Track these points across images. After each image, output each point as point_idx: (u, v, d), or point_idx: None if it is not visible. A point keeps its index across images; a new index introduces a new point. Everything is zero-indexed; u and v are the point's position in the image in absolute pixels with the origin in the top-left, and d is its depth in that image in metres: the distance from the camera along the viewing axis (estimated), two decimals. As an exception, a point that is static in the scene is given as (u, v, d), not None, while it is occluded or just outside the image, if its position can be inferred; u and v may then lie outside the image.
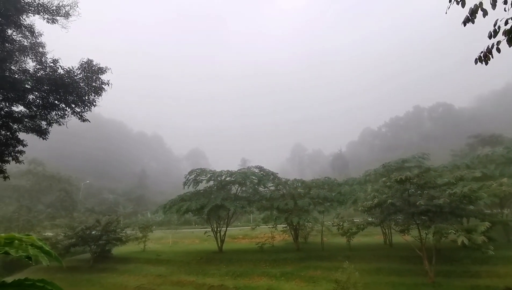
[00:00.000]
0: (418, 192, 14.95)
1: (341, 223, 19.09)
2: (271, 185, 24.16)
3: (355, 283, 11.54)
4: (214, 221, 23.16)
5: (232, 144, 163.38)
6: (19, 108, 11.64)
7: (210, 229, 23.66)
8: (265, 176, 23.84)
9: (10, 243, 2.17)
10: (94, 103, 11.91)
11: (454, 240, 11.18)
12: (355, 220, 18.32)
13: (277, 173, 24.76)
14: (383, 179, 15.95)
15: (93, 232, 22.98)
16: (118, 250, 24.84)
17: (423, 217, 13.79)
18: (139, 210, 55.36)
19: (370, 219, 16.52)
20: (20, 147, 11.83)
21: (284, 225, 22.72)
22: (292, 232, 22.19)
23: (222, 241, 22.90)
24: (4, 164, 11.79)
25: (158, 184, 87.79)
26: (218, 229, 23.09)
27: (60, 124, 12.08)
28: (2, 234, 2.22)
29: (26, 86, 10.89)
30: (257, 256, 20.25)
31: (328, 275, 14.96)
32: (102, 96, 12.10)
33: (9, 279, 2.35)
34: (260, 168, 24.37)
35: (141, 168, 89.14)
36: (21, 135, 12.11)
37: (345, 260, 12.78)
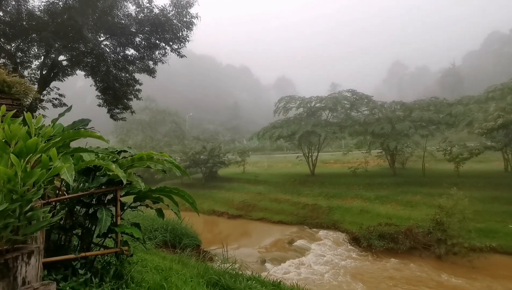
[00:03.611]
0: None
1: (448, 148, 17.06)
2: (365, 109, 22.66)
3: (463, 210, 10.67)
4: (306, 146, 23.87)
5: (319, 69, 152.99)
6: (130, 52, 13.44)
7: (301, 154, 24.60)
8: (358, 100, 22.36)
9: (150, 158, 2.69)
10: (187, 39, 12.72)
11: None
12: (467, 145, 16.05)
13: (372, 96, 22.79)
14: (514, 95, 12.92)
15: (201, 157, 26.90)
16: (222, 171, 28.69)
17: None
18: (236, 137, 61.00)
19: (489, 143, 14.17)
20: (137, 86, 14.00)
21: (378, 150, 21.75)
22: (388, 157, 21.16)
23: (314, 165, 23.74)
24: (128, 102, 14.32)
25: (250, 114, 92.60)
26: (310, 154, 23.84)
27: (163, 62, 13.58)
28: (144, 152, 2.72)
29: (132, 29, 12.23)
30: (350, 180, 20.47)
31: (429, 201, 14.19)
32: (193, 31, 12.77)
33: (152, 187, 2.94)
34: (353, 92, 22.80)
35: (234, 100, 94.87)
36: (136, 76, 14.21)
37: (452, 187, 11.71)
